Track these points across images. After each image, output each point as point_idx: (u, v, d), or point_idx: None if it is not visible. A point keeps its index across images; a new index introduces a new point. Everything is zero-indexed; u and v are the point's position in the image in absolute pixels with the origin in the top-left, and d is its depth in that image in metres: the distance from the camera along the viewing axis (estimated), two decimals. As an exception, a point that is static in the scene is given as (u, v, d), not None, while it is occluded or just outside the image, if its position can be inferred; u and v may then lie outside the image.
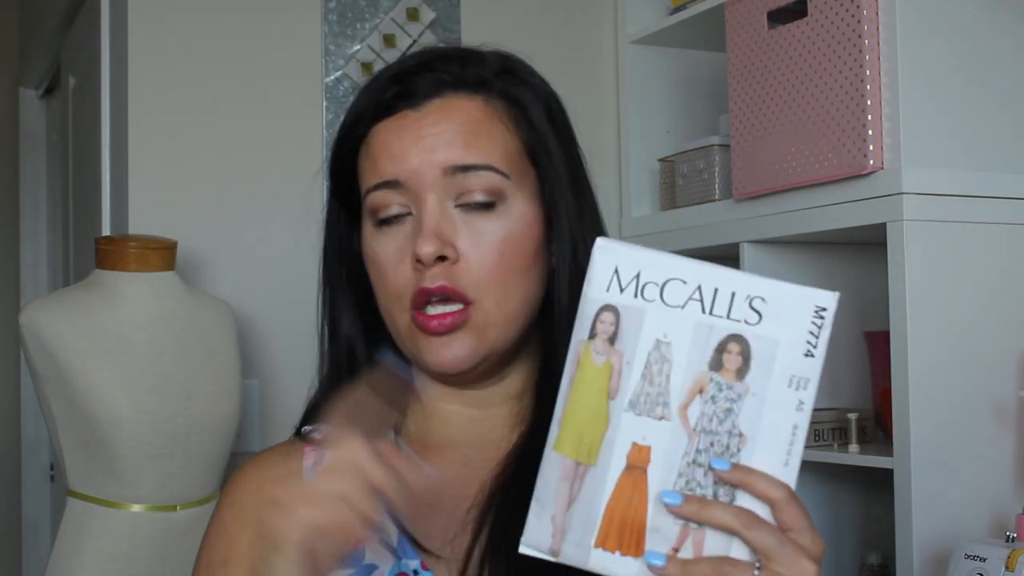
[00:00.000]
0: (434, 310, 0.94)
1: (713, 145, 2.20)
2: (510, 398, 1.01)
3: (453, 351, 0.94)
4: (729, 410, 0.78)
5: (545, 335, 1.00)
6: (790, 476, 0.77)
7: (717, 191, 2.18)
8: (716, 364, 0.78)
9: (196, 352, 1.89)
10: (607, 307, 0.79)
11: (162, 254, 1.91)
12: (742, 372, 0.77)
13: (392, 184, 0.95)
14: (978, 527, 1.74)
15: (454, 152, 0.95)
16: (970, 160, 1.80)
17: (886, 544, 2.01)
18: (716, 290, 0.78)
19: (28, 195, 3.73)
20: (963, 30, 1.82)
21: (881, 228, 1.76)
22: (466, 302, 0.94)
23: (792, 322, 0.77)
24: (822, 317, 0.78)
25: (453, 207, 0.95)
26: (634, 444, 0.78)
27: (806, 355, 0.77)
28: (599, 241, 0.80)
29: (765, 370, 0.77)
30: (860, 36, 1.76)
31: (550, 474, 0.80)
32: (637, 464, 0.78)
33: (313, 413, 1.04)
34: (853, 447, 1.87)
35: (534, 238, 0.97)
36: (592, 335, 0.79)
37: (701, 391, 0.78)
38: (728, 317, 0.78)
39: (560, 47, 2.52)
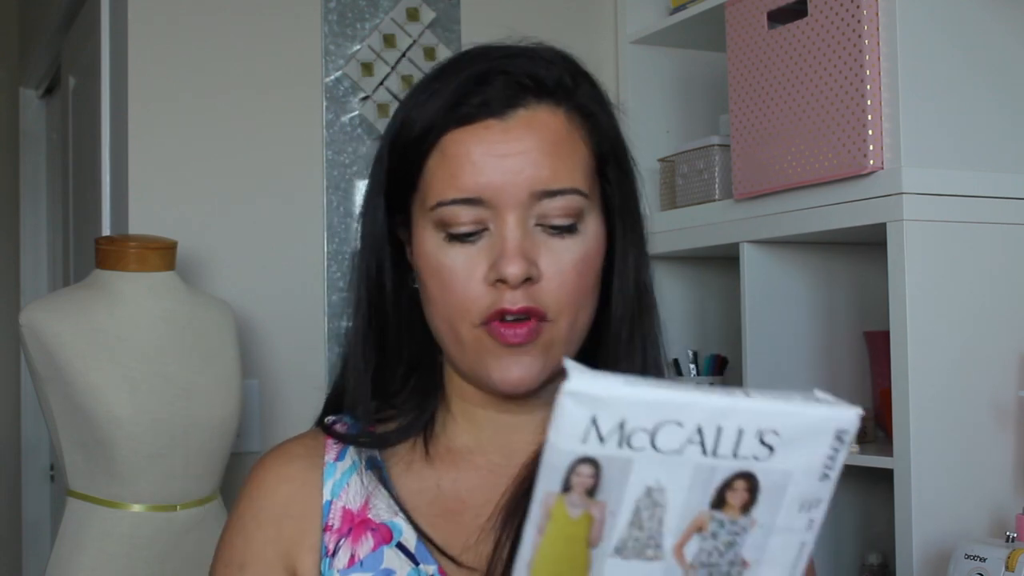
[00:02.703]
0: (509, 327, 0.91)
1: (713, 145, 2.20)
2: (542, 405, 0.99)
3: (523, 370, 0.92)
4: (731, 543, 0.70)
5: (584, 346, 0.97)
6: None
7: (717, 191, 2.18)
8: (719, 502, 0.69)
9: (196, 352, 1.89)
10: (584, 460, 0.67)
11: (162, 254, 1.91)
12: (748, 507, 0.69)
13: (472, 202, 0.91)
14: (978, 527, 1.73)
15: (541, 174, 0.91)
16: (970, 160, 1.80)
17: (886, 544, 2.01)
18: (720, 429, 0.67)
19: (28, 195, 3.73)
20: (963, 30, 1.82)
21: (881, 228, 1.76)
22: (544, 320, 0.91)
23: (808, 450, 0.68)
24: (842, 440, 0.68)
25: (533, 225, 0.92)
26: None
27: (821, 479, 0.69)
28: (568, 386, 0.65)
29: (774, 502, 0.69)
30: (860, 36, 1.76)
31: None
32: None
33: (334, 402, 1.03)
34: (853, 447, 1.87)
35: (602, 255, 0.96)
36: (566, 488, 0.67)
37: (700, 529, 0.70)
38: (734, 456, 0.68)
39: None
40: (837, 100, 1.80)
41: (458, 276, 0.92)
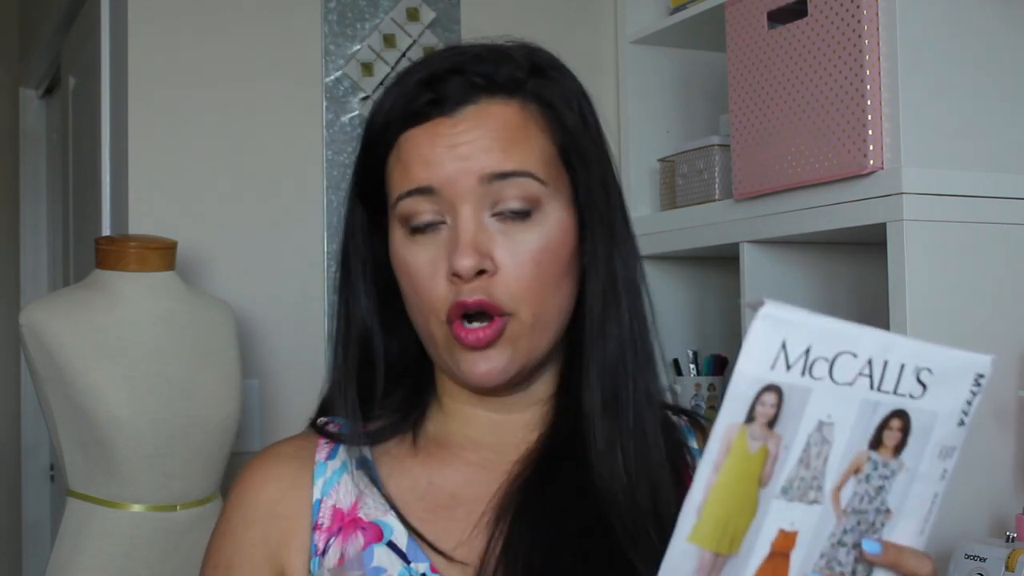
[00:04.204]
0: (470, 324, 0.92)
1: (713, 145, 2.20)
2: (533, 403, 1.00)
3: (490, 364, 0.93)
4: (881, 488, 0.74)
5: (569, 342, 0.98)
6: (923, 543, 0.76)
7: (717, 191, 2.18)
8: (876, 442, 0.73)
9: (196, 352, 1.89)
10: (770, 387, 0.70)
11: (162, 254, 1.91)
12: (899, 448, 0.73)
13: (425, 191, 0.92)
14: (978, 527, 1.73)
15: (491, 159, 0.92)
16: (970, 160, 1.80)
17: (886, 544, 2.01)
18: (886, 363, 0.72)
19: (28, 195, 3.73)
20: (963, 30, 1.82)
21: (881, 228, 1.76)
22: (502, 314, 0.92)
23: (952, 393, 0.74)
24: (979, 384, 0.74)
25: (489, 216, 0.92)
26: (780, 531, 0.73)
27: (959, 424, 0.74)
28: (766, 310, 0.69)
29: (921, 444, 0.74)
30: (860, 36, 1.76)
31: (682, 565, 0.72)
32: (781, 550, 0.73)
33: (328, 404, 1.03)
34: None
35: (569, 245, 0.95)
36: (750, 418, 0.70)
37: (857, 471, 0.73)
38: (895, 392, 0.72)
39: (560, 47, 2.54)
40: (837, 100, 1.80)
41: (422, 273, 0.93)
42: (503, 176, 0.92)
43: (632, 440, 0.94)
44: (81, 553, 1.79)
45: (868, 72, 1.76)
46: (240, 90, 2.27)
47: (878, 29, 1.76)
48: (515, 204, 0.92)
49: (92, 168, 2.49)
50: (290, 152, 2.30)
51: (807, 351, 0.70)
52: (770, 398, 0.70)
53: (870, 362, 0.71)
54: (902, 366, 0.72)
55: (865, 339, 0.71)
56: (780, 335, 0.69)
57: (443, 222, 0.93)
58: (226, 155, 2.26)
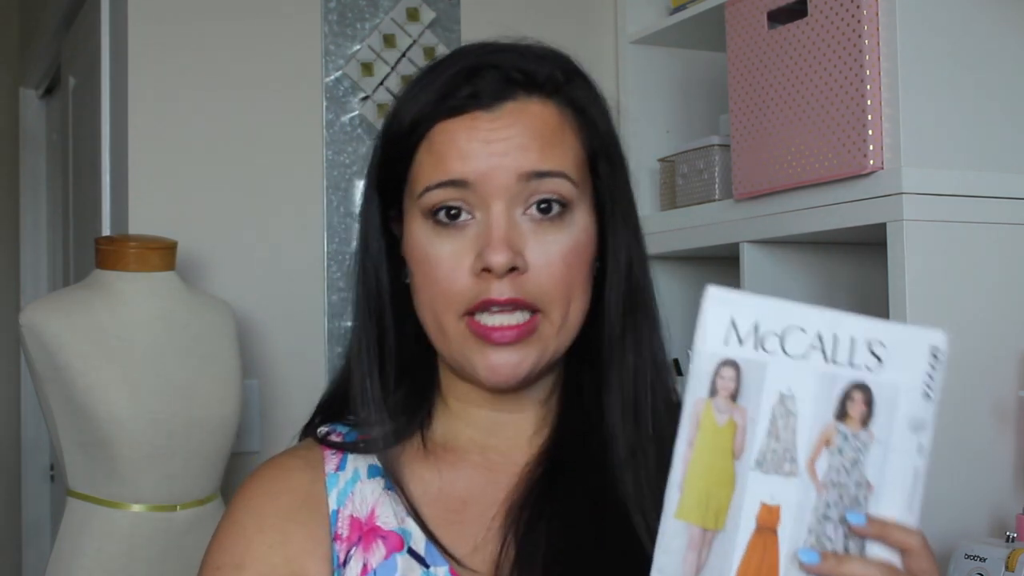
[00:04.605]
0: (493, 320, 0.91)
1: (713, 145, 2.20)
2: (535, 403, 0.99)
3: (514, 368, 0.92)
4: (856, 460, 0.76)
5: (572, 344, 0.97)
6: (914, 520, 0.77)
7: (717, 191, 2.18)
8: (841, 414, 0.76)
9: (196, 352, 1.89)
10: (727, 362, 0.76)
11: (162, 254, 1.91)
12: (866, 420, 0.76)
13: (458, 184, 0.91)
14: (978, 527, 1.73)
15: (528, 158, 0.91)
16: (970, 160, 1.80)
17: (886, 544, 2.00)
18: (836, 337, 0.76)
19: (28, 195, 3.73)
20: (963, 30, 1.82)
21: (881, 228, 1.76)
22: (535, 310, 0.91)
23: (911, 365, 0.77)
24: (937, 358, 0.78)
25: (520, 215, 0.92)
26: (763, 504, 0.76)
27: (924, 397, 0.78)
28: (711, 291, 0.77)
29: (888, 416, 0.77)
30: (860, 36, 1.76)
31: (674, 544, 0.76)
32: (767, 525, 0.76)
33: (327, 407, 1.02)
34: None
35: (593, 249, 0.95)
36: (712, 392, 0.76)
37: (828, 443, 0.76)
38: (850, 365, 0.76)
39: (560, 47, 2.54)
40: (837, 100, 1.80)
41: (444, 266, 0.92)
42: (540, 175, 0.91)
43: (653, 446, 0.94)
44: (81, 553, 1.79)
45: (868, 72, 1.76)
46: (240, 90, 2.27)
47: (878, 29, 1.76)
48: (548, 204, 0.92)
49: (92, 168, 2.49)
50: (290, 152, 2.30)
51: (756, 326, 0.76)
52: (728, 372, 0.76)
53: (820, 336, 0.76)
54: (853, 339, 0.76)
55: (812, 316, 0.76)
56: (728, 312, 0.76)
57: (471, 217, 0.92)
58: (226, 155, 2.26)
